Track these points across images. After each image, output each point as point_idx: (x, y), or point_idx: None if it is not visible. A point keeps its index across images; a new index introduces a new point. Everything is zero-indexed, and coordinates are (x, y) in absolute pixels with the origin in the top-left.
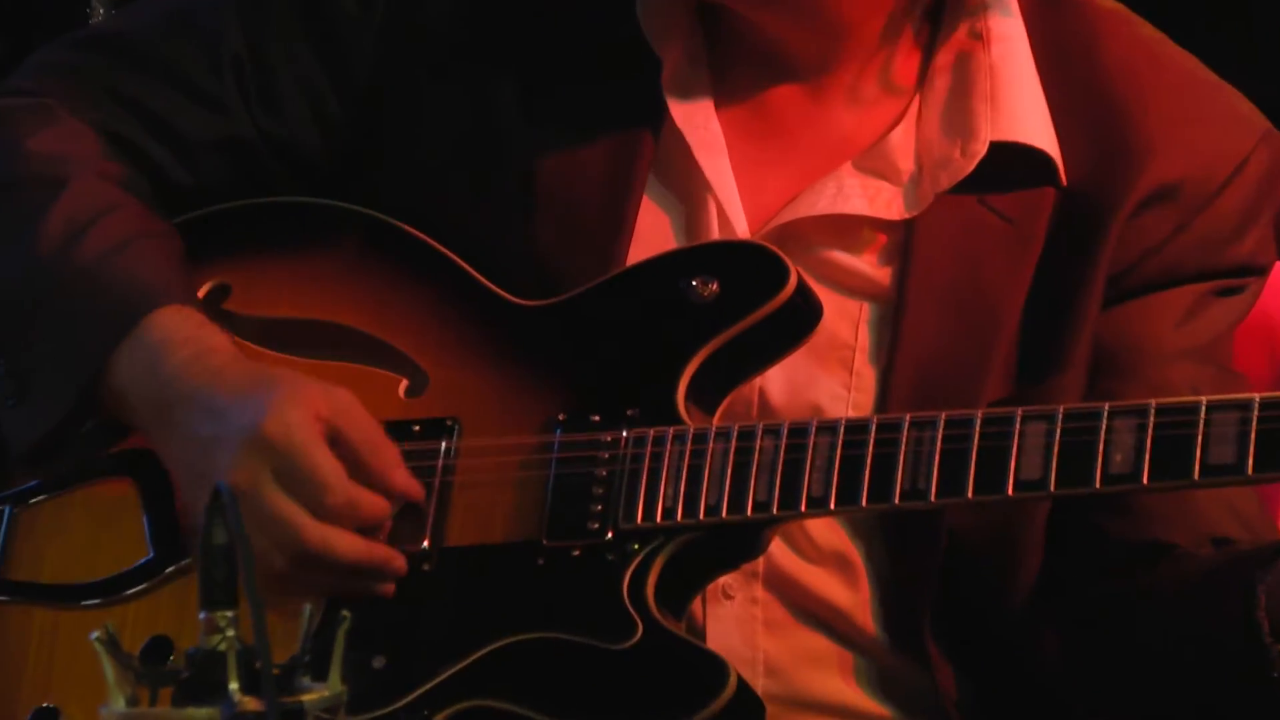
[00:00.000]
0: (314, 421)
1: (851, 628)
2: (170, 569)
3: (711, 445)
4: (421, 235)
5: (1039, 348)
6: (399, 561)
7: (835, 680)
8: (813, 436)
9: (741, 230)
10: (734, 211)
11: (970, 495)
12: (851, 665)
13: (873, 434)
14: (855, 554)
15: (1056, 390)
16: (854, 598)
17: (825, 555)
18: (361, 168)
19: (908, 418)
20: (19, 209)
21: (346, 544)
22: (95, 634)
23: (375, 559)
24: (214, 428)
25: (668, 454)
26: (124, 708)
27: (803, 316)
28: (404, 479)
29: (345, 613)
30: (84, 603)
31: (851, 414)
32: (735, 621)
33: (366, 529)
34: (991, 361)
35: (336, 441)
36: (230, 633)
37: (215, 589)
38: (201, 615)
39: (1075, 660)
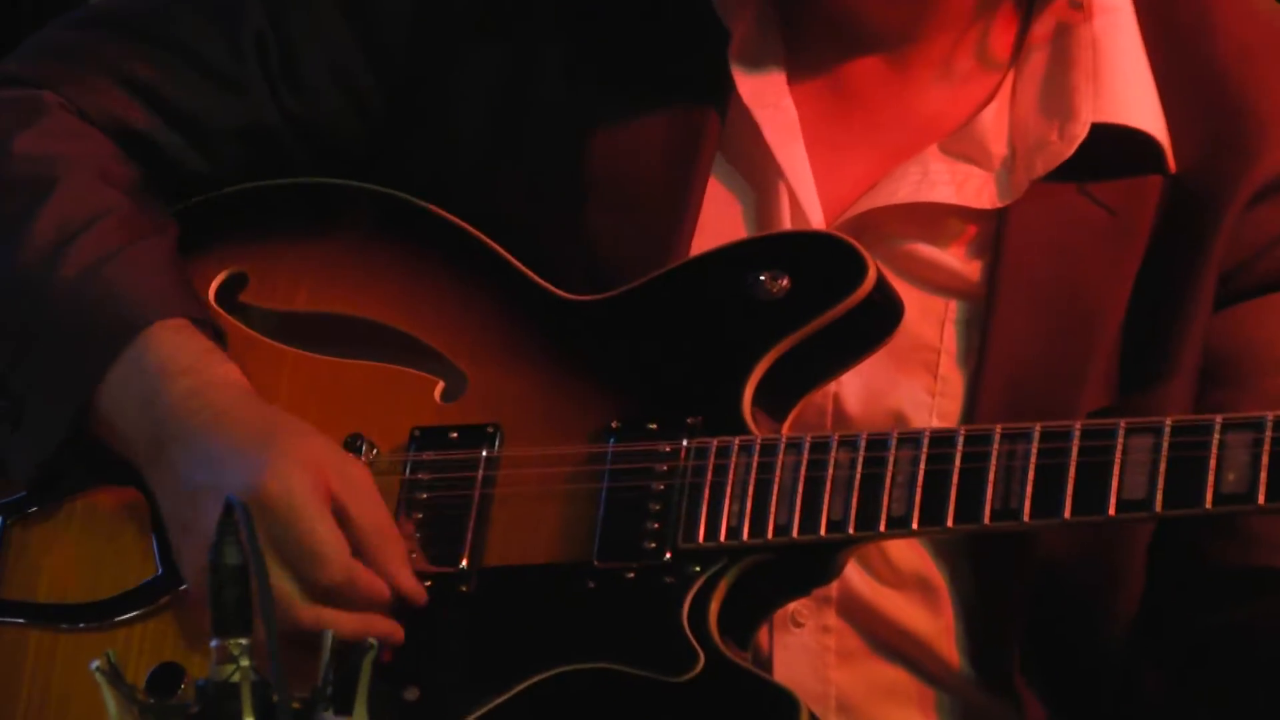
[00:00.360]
0: (319, 489)
1: (933, 659)
2: (181, 588)
3: (781, 457)
4: (459, 221)
5: (1143, 353)
6: (400, 634)
7: (914, 716)
8: (893, 449)
9: (816, 219)
10: (808, 199)
11: (1068, 515)
12: (933, 701)
13: (960, 446)
14: (938, 578)
15: (1162, 400)
16: (936, 626)
17: (905, 579)
18: (393, 152)
19: (998, 429)
20: (2, 215)
21: (342, 624)
22: (95, 663)
23: (373, 635)
24: (209, 477)
25: (733, 466)
26: None
27: (882, 315)
28: (408, 581)
29: (372, 641)
30: (83, 625)
31: (936, 423)
32: (805, 651)
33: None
34: (1090, 367)
35: (342, 520)
36: (244, 662)
37: (227, 614)
38: (213, 643)
39: (1180, 701)
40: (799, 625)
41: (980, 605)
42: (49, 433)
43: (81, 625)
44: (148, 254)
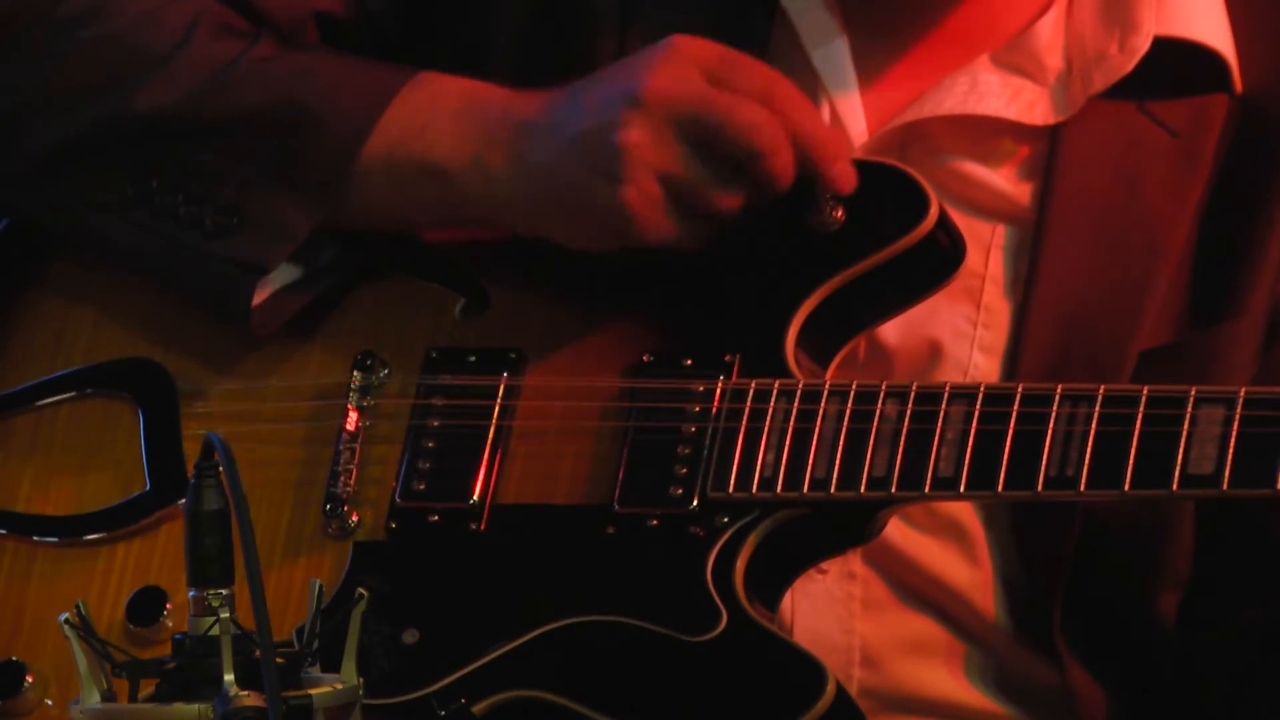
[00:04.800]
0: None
1: (967, 612)
2: (169, 507)
3: (824, 406)
4: None
5: (1206, 287)
6: (839, 143)
7: (943, 673)
8: (944, 404)
9: (857, 133)
10: (849, 112)
11: (1128, 488)
12: (964, 657)
13: (1016, 406)
14: (974, 524)
15: (1226, 340)
16: (972, 576)
17: (938, 524)
18: (420, 45)
19: (1059, 389)
20: (158, 40)
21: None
22: (64, 616)
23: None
24: (584, 89)
25: (770, 412)
26: (98, 703)
27: (943, 256)
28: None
29: (362, 590)
30: (62, 539)
31: (978, 354)
32: (828, 600)
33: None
34: (1147, 301)
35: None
36: (225, 614)
37: (206, 562)
38: (191, 594)
39: (1239, 693)
40: (822, 572)
41: (1020, 555)
42: (297, 215)
43: (60, 540)
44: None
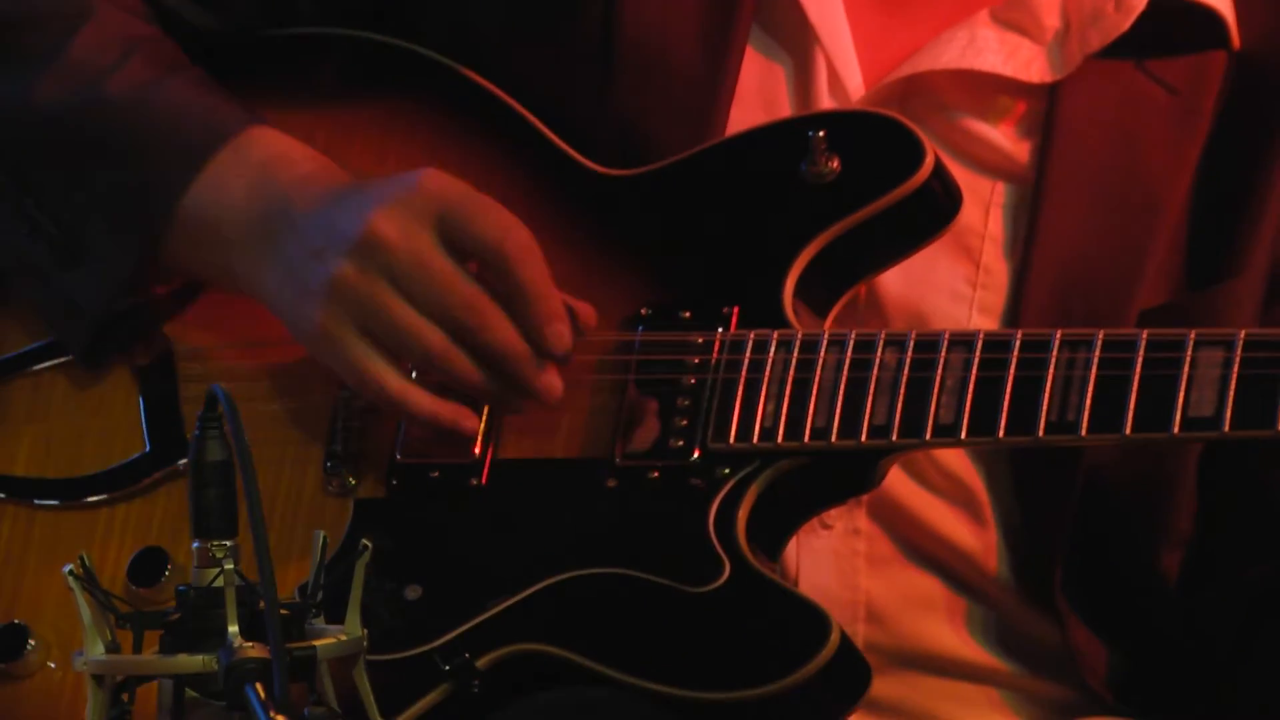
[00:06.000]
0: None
1: (971, 570)
2: (168, 467)
3: (823, 355)
4: (486, 83)
5: (1206, 245)
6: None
7: (946, 629)
8: (944, 351)
9: (854, 87)
10: (845, 66)
11: (1129, 432)
12: (966, 613)
13: (1016, 352)
14: (978, 482)
15: (1226, 298)
16: (975, 534)
17: (943, 482)
18: (404, 8)
19: (1058, 335)
20: (36, 44)
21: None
22: (68, 567)
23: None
24: (325, 233)
25: (770, 362)
26: (102, 654)
27: (938, 205)
28: (558, 333)
29: (366, 542)
30: (62, 501)
31: (976, 315)
32: (833, 555)
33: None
34: (1148, 259)
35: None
36: (229, 566)
37: (210, 513)
38: (194, 545)
39: (1240, 651)
40: (827, 527)
41: (1022, 514)
42: (122, 254)
43: (60, 502)
44: (203, 77)
